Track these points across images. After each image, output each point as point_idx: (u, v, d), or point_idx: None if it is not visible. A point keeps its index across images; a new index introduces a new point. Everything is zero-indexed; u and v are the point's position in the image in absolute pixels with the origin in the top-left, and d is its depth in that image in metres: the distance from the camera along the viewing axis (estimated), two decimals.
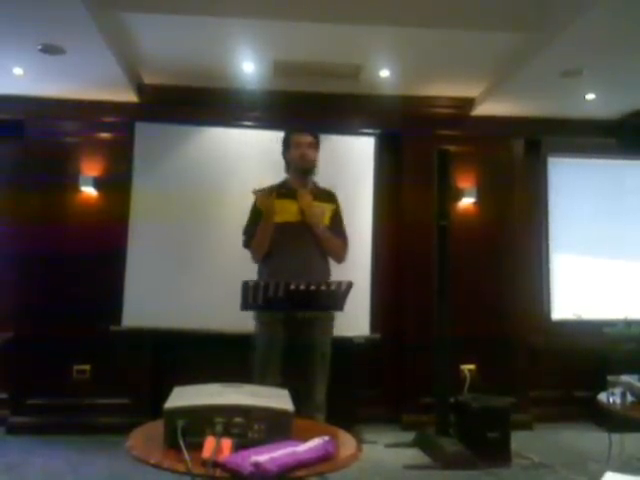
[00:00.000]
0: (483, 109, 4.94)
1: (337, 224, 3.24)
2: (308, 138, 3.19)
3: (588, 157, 5.39)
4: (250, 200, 3.12)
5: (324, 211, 3.16)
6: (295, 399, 1.85)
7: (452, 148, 4.63)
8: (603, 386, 3.03)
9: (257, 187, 3.07)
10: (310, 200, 3.10)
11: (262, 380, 2.89)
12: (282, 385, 2.30)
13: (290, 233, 3.08)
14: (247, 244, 3.18)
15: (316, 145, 3.23)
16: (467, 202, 5.00)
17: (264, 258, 3.14)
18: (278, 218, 3.07)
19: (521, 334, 4.92)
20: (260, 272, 3.18)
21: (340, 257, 3.24)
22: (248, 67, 4.38)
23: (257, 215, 3.12)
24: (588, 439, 4.41)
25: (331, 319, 3.17)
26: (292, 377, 2.90)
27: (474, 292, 4.81)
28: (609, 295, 5.22)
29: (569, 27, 3.46)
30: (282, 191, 3.14)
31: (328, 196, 3.27)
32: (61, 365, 4.53)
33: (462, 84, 4.75)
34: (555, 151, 5.35)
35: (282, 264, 3.06)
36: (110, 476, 3.55)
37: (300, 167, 3.18)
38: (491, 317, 4.82)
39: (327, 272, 3.21)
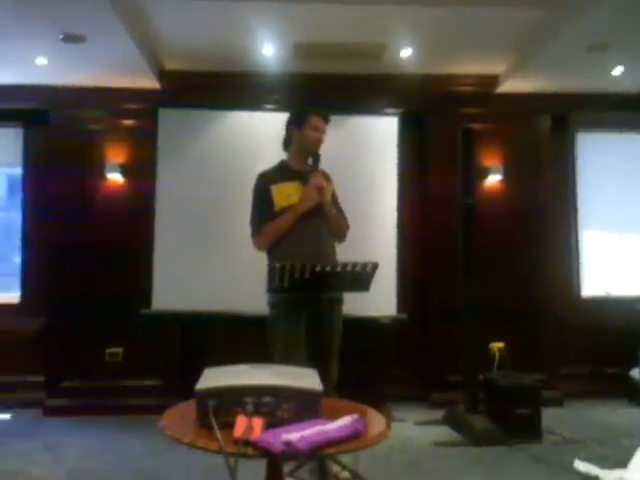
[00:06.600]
0: (508, 86, 4.85)
1: (337, 204, 3.21)
2: (326, 125, 3.13)
3: (617, 132, 5.27)
4: None
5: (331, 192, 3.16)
6: None
7: (477, 126, 4.58)
8: (634, 362, 3.00)
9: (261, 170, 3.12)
10: (324, 182, 3.04)
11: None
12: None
13: (300, 216, 3.00)
14: (258, 232, 3.07)
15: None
16: (493, 180, 4.94)
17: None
18: (285, 202, 3.01)
19: (551, 311, 4.88)
20: (271, 256, 3.07)
21: (344, 237, 3.20)
22: (268, 50, 4.36)
23: (264, 201, 3.04)
24: (620, 415, 4.39)
25: (342, 299, 3.10)
26: (311, 358, 2.84)
27: (503, 270, 4.76)
28: (639, 271, 5.13)
29: (594, 1, 3.38)
30: (286, 174, 3.10)
31: (326, 177, 3.16)
32: (94, 348, 4.63)
33: (486, 61, 4.68)
34: (583, 127, 5.25)
35: (294, 247, 2.97)
36: (146, 454, 3.64)
37: (312, 150, 3.10)
38: (520, 294, 4.78)
39: (335, 252, 3.14)
